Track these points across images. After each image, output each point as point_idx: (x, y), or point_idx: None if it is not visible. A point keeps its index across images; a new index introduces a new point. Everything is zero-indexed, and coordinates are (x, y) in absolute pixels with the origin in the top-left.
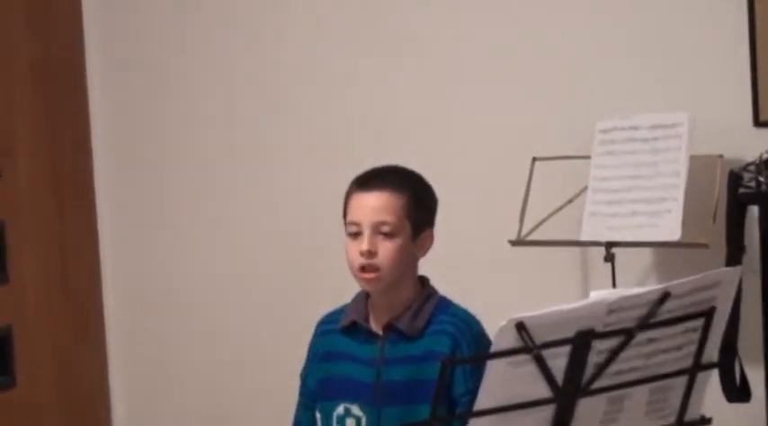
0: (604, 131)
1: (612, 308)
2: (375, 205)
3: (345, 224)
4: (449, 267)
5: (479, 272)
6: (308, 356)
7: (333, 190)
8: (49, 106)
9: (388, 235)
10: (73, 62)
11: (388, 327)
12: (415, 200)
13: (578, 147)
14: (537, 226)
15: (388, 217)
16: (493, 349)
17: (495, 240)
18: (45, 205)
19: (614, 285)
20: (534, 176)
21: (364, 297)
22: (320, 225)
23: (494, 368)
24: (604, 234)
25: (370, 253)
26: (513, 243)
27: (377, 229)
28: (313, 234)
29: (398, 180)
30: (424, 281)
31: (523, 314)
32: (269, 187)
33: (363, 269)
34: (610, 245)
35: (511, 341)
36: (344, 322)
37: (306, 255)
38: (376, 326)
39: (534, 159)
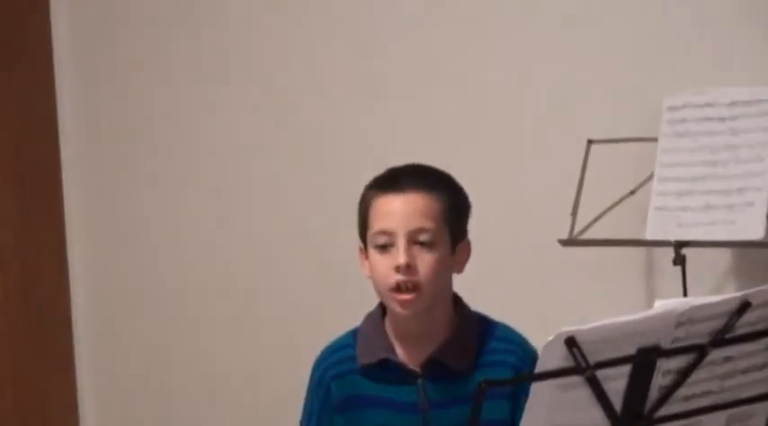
0: (673, 109)
1: (682, 320)
2: (411, 209)
3: (366, 236)
4: (486, 274)
5: (522, 279)
6: (310, 410)
7: (316, 187)
8: (17, 101)
9: (427, 246)
10: (41, 60)
11: (430, 363)
12: (454, 204)
13: (642, 128)
14: (592, 223)
15: (428, 223)
16: (538, 368)
17: (542, 240)
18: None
19: (685, 293)
20: (589, 163)
21: (381, 324)
22: (301, 225)
23: (539, 392)
24: (673, 231)
25: (409, 268)
26: (564, 243)
27: (413, 238)
28: (296, 234)
29: (433, 179)
30: (457, 301)
31: (574, 327)
32: (248, 186)
33: (399, 288)
34: (679, 245)
35: (559, 359)
36: (367, 359)
37: (289, 257)
38: (410, 361)
39: (590, 142)
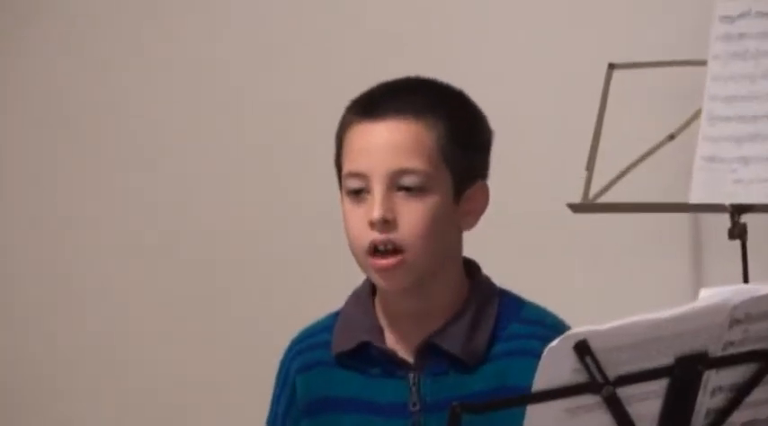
0: (728, 19)
1: (738, 317)
2: (392, 142)
3: (340, 177)
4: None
5: (518, 259)
6: (275, 412)
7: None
8: None
9: (414, 193)
10: None
11: (425, 349)
12: (457, 131)
13: (684, 48)
14: (615, 181)
15: (415, 162)
16: (537, 384)
17: (547, 204)
18: None
19: (745, 277)
20: (611, 96)
21: (369, 300)
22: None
23: (539, 417)
24: (729, 192)
25: (387, 224)
26: (576, 208)
27: (394, 183)
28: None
29: (427, 98)
30: (472, 269)
31: (587, 327)
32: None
33: (377, 250)
34: (738, 211)
35: (567, 372)
36: (342, 344)
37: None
38: (402, 349)
39: (611, 66)
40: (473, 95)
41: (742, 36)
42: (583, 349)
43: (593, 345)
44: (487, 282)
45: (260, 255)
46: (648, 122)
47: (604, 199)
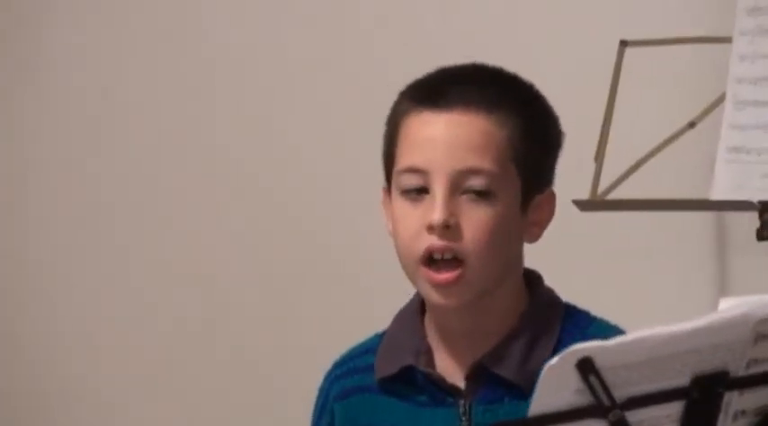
0: None
1: (764, 331)
2: (458, 137)
3: (389, 172)
4: None
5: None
6: None
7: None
8: None
9: (481, 197)
10: None
11: (478, 373)
12: (530, 130)
13: (706, 22)
14: (627, 175)
15: (483, 162)
16: (535, 407)
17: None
18: None
19: None
20: (624, 76)
21: (418, 318)
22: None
23: None
24: (757, 187)
25: (449, 230)
26: (584, 205)
27: (460, 184)
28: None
29: (499, 90)
30: (532, 281)
31: (593, 342)
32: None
33: (432, 260)
34: (767, 209)
35: (569, 393)
36: (385, 369)
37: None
38: (453, 373)
39: (623, 44)
40: None
41: None
42: (587, 367)
43: (599, 363)
44: (550, 295)
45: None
46: (666, 108)
47: (615, 195)
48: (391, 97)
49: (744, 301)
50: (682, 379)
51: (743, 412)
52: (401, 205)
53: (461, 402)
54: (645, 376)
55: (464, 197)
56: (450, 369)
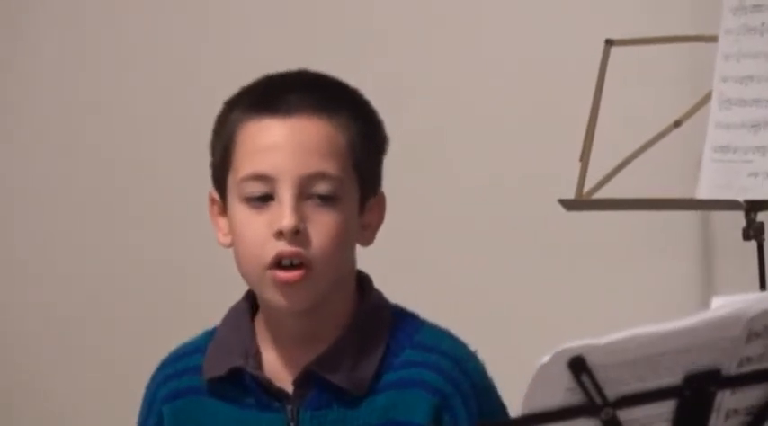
0: None
1: (756, 330)
2: (302, 142)
3: (226, 181)
4: (449, 252)
5: (505, 263)
6: None
7: None
8: None
9: (327, 202)
10: None
11: (306, 378)
12: (366, 134)
13: (692, 21)
14: (614, 173)
15: (330, 166)
16: (527, 405)
17: (538, 200)
18: None
19: (762, 282)
20: (609, 76)
21: (247, 318)
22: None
23: None
24: (744, 186)
25: (297, 234)
26: (569, 205)
27: (307, 190)
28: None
29: (337, 95)
30: (364, 285)
31: (584, 341)
32: None
33: (280, 264)
34: (754, 208)
35: (560, 391)
36: (213, 370)
37: None
38: (282, 377)
39: (609, 43)
40: (453, 80)
41: (757, 8)
42: (578, 365)
43: (591, 361)
44: (379, 300)
45: None
46: (651, 107)
47: (601, 194)
48: None
49: (736, 299)
50: (674, 378)
51: (735, 411)
52: (243, 213)
53: (289, 407)
54: (637, 374)
55: (309, 202)
56: (279, 373)
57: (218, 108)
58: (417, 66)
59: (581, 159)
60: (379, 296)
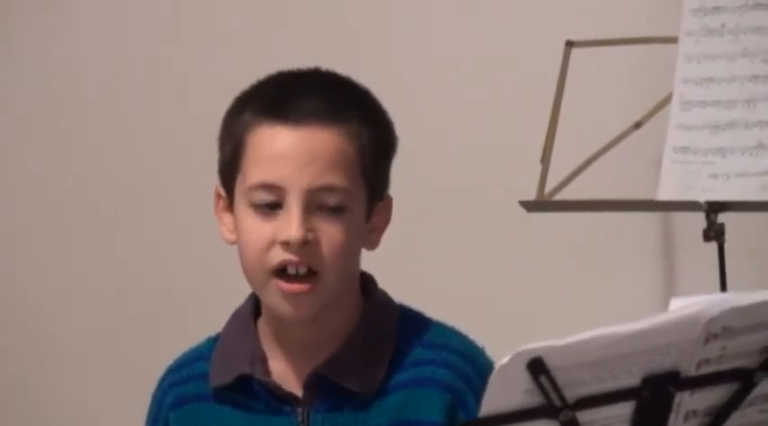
0: None
1: (714, 331)
2: (313, 154)
3: (234, 182)
4: (412, 255)
5: (466, 264)
6: None
7: None
8: None
9: (335, 212)
10: None
11: (315, 382)
12: (377, 141)
13: (652, 22)
14: (575, 175)
15: (337, 178)
16: (485, 408)
17: (498, 201)
18: None
19: (723, 284)
20: (570, 77)
21: (251, 323)
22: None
23: None
24: (704, 188)
25: (306, 246)
26: (530, 206)
27: (314, 200)
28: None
29: (347, 100)
30: (367, 285)
31: (543, 342)
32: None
33: (285, 272)
34: (714, 210)
35: (519, 393)
36: (220, 377)
37: None
38: (290, 381)
39: (569, 44)
40: (413, 81)
41: (718, 9)
42: (537, 367)
43: (550, 363)
44: (384, 299)
45: None
46: (612, 108)
47: (561, 196)
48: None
49: (695, 301)
50: (633, 379)
51: (694, 412)
52: (250, 217)
53: (299, 410)
54: (596, 376)
55: (317, 213)
56: (287, 377)
57: (218, 108)
58: (377, 69)
59: (542, 160)
60: (383, 295)
